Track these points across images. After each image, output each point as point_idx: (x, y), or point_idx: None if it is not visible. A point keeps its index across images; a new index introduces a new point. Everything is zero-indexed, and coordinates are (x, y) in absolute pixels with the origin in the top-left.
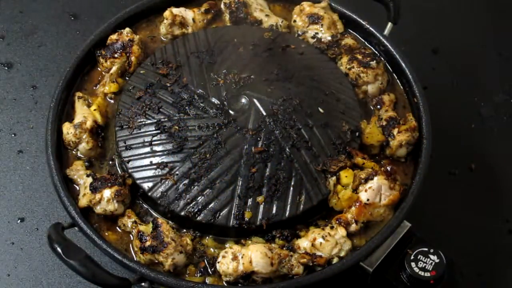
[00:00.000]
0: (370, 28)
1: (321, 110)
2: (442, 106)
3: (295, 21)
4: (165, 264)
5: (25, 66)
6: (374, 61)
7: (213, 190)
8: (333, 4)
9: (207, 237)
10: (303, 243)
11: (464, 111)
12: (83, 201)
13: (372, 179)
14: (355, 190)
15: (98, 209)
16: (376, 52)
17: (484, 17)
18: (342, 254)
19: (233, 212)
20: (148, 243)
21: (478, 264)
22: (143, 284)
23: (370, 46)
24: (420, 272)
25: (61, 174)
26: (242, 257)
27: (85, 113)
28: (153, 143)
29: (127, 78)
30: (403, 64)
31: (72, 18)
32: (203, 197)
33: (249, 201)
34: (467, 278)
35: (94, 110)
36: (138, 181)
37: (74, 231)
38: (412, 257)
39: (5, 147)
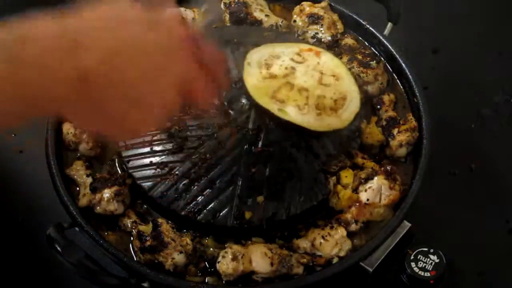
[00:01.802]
0: (370, 28)
1: None
2: (442, 106)
3: (295, 21)
4: (165, 264)
5: None
6: (374, 61)
7: (213, 190)
8: (333, 4)
9: (207, 237)
10: (303, 243)
11: (464, 111)
12: (83, 201)
13: (372, 179)
14: (355, 190)
15: (98, 209)
16: (376, 52)
17: (484, 17)
18: (342, 254)
19: (233, 212)
20: (148, 243)
21: (478, 264)
22: (143, 284)
23: (370, 46)
24: (420, 272)
25: (61, 174)
26: (242, 257)
27: None
28: (153, 142)
29: None
30: (403, 64)
31: None
32: (203, 197)
33: (249, 201)
34: (467, 278)
35: None
36: (138, 181)
37: (74, 231)
38: (412, 257)
39: (5, 147)
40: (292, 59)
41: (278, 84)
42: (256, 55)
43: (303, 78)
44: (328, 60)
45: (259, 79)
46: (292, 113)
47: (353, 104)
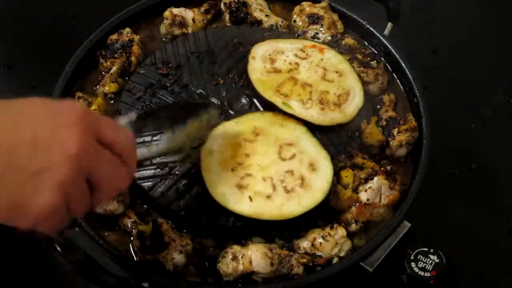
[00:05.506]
0: (370, 28)
1: None
2: (442, 106)
3: (295, 21)
4: (165, 264)
5: (25, 66)
6: (374, 61)
7: None
8: (333, 4)
9: (207, 237)
10: (303, 243)
11: (464, 111)
12: None
13: (372, 179)
14: (355, 190)
15: (98, 209)
16: (376, 52)
17: (484, 17)
18: (342, 254)
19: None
20: (148, 243)
21: (478, 264)
22: (143, 284)
23: (370, 46)
24: (420, 272)
25: None
26: (242, 257)
27: None
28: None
29: (127, 78)
30: (403, 64)
31: (72, 18)
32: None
33: None
34: (467, 278)
35: (94, 110)
36: (138, 181)
37: (74, 231)
38: (412, 257)
39: None
40: (296, 55)
41: (282, 78)
42: (261, 50)
43: (306, 74)
44: (331, 56)
45: (263, 73)
46: (296, 107)
47: (356, 100)
